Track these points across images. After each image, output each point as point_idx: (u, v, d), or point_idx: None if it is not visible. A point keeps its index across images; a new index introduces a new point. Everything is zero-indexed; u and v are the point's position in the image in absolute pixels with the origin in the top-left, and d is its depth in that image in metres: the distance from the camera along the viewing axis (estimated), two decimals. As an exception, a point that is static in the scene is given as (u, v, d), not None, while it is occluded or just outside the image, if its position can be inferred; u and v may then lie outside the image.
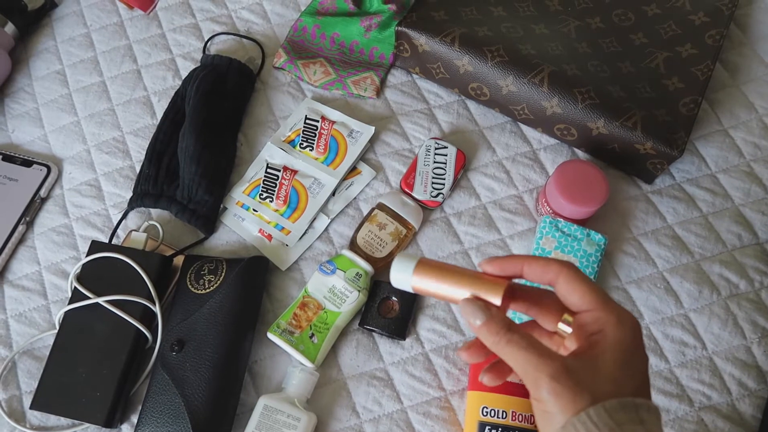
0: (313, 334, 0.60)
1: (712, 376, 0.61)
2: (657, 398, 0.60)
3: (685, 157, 0.70)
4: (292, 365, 0.60)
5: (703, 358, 0.62)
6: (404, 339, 0.62)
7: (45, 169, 0.71)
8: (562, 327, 0.36)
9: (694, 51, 0.69)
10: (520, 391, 0.57)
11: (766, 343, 0.62)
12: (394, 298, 0.62)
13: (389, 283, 0.63)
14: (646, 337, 0.62)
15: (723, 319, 0.63)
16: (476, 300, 0.36)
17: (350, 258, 0.62)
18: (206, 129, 0.68)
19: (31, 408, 0.58)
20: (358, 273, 0.61)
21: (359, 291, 0.61)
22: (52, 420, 0.61)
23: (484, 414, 0.56)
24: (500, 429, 0.55)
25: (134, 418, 0.60)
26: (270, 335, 0.60)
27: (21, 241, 0.69)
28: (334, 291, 0.61)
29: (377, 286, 0.63)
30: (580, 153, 0.71)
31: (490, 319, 0.35)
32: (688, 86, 0.66)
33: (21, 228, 0.68)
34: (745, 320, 0.63)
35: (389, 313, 0.62)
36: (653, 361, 0.61)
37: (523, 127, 0.72)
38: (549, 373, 0.32)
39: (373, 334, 0.63)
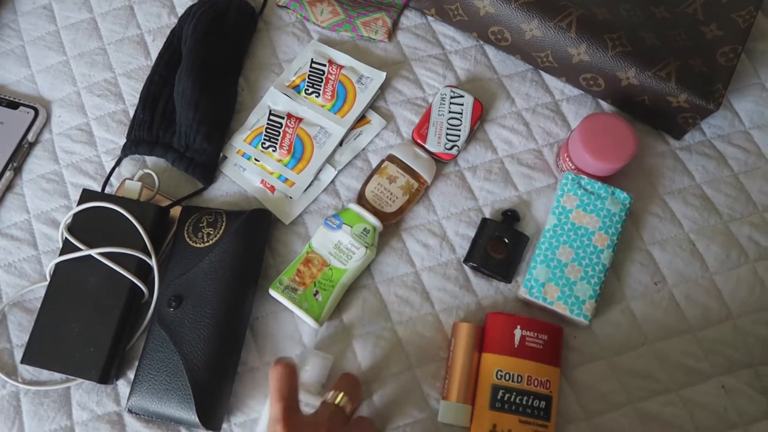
0: (317, 292, 0.57)
1: (736, 342, 0.58)
2: (679, 361, 0.57)
3: (717, 111, 0.65)
4: (305, 349, 0.57)
5: (727, 323, 0.59)
6: (509, 282, 0.59)
7: (32, 112, 0.66)
8: None
9: (735, -5, 0.63)
10: (536, 355, 0.54)
11: (794, 310, 0.59)
12: (505, 240, 0.59)
13: (499, 223, 0.60)
14: (668, 301, 0.59)
15: (750, 284, 0.59)
16: None
17: (357, 212, 0.59)
18: (204, 71, 0.63)
19: (22, 362, 0.55)
20: (365, 228, 0.58)
21: (366, 247, 0.57)
22: (45, 375, 0.58)
23: (499, 377, 0.53)
24: (514, 393, 0.53)
25: (130, 374, 0.58)
26: (272, 292, 0.57)
27: (9, 188, 0.65)
28: (340, 247, 0.58)
29: (485, 224, 0.60)
30: (605, 105, 0.66)
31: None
32: (727, 34, 0.61)
33: (8, 174, 0.64)
34: (774, 286, 0.59)
35: (498, 253, 0.59)
36: (677, 325, 0.58)
37: (545, 76, 0.67)
38: None
39: (380, 293, 0.60)
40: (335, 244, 0.58)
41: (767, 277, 0.60)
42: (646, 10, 0.62)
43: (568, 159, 0.61)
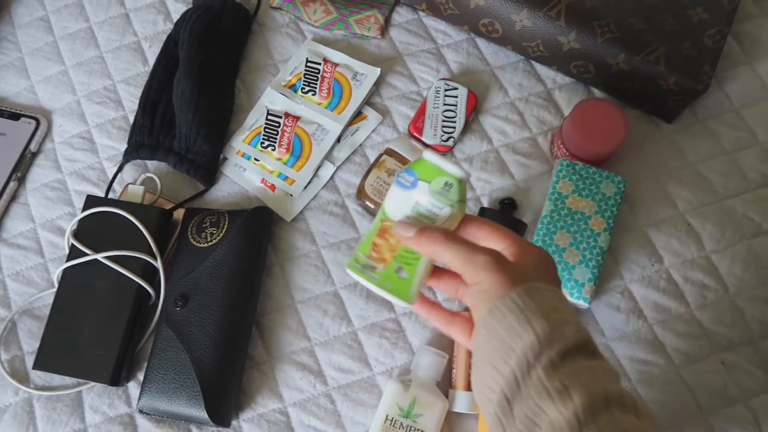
0: (400, 268, 0.44)
1: (734, 319, 0.59)
2: (677, 342, 0.58)
3: (707, 92, 0.66)
4: (420, 347, 0.58)
5: (725, 300, 0.60)
6: None
7: (34, 122, 0.67)
8: None
9: (720, -22, 0.64)
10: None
11: (791, 285, 0.60)
12: None
13: (497, 211, 0.60)
14: (666, 281, 0.60)
15: (746, 260, 0.60)
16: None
17: (434, 163, 0.44)
18: (202, 74, 0.64)
19: (34, 368, 0.56)
20: (447, 183, 0.44)
21: (452, 206, 0.44)
22: (57, 380, 0.59)
23: (502, 362, 0.54)
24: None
25: (140, 376, 0.59)
26: (350, 272, 0.45)
27: (13, 198, 0.66)
28: (419, 210, 0.44)
29: (484, 212, 0.59)
30: (596, 91, 0.67)
31: (426, 227, 0.42)
32: (713, 16, 0.62)
33: (12, 185, 0.65)
34: (770, 261, 0.60)
35: None
36: (674, 305, 0.59)
37: (537, 66, 0.68)
38: (485, 261, 0.39)
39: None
40: (413, 207, 0.44)
41: (762, 254, 0.61)
42: (633, -4, 0.63)
43: (562, 145, 0.62)
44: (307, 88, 0.66)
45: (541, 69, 0.68)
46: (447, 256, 0.41)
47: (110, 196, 0.64)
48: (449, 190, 0.44)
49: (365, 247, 0.46)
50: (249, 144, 0.64)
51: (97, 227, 0.60)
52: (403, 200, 0.45)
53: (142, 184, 0.64)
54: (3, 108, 0.68)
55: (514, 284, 0.38)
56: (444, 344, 0.59)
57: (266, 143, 0.64)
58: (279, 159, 0.64)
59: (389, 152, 0.63)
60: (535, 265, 0.41)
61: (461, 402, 0.55)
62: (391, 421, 0.54)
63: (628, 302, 0.60)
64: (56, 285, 0.59)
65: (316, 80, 0.66)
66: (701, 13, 0.63)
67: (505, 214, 0.61)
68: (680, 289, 0.60)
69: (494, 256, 0.40)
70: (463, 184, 0.45)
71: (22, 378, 0.59)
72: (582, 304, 0.58)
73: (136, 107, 0.67)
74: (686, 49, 0.61)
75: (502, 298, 0.38)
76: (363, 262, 0.45)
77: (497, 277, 0.39)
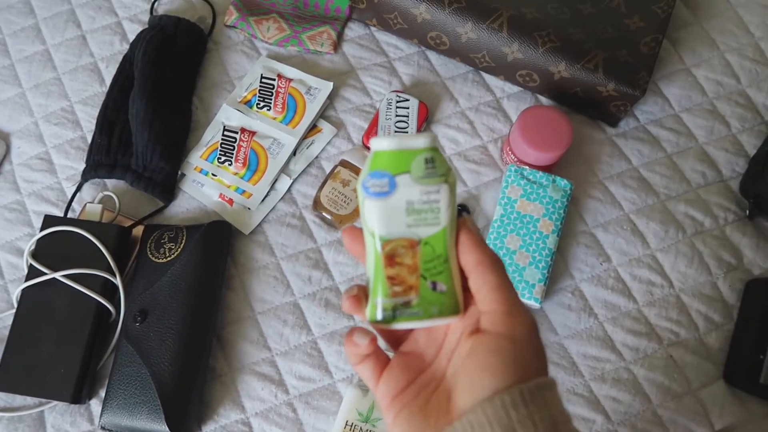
0: (434, 283, 0.36)
1: (680, 313, 0.61)
2: (627, 338, 0.61)
3: (649, 98, 0.69)
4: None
5: (671, 296, 0.62)
6: None
7: (-9, 145, 0.68)
8: None
9: (655, -12, 0.67)
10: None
11: (731, 278, 0.63)
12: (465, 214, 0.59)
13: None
14: (614, 280, 0.63)
15: (689, 257, 0.63)
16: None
17: (394, 148, 0.35)
18: (157, 93, 0.65)
19: (-6, 389, 0.57)
20: (426, 159, 0.36)
21: (445, 179, 0.35)
22: (18, 400, 0.59)
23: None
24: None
25: (102, 393, 0.59)
26: (380, 326, 0.36)
27: (-28, 220, 0.66)
28: (415, 208, 0.36)
29: None
30: (543, 99, 0.70)
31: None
32: (649, 24, 0.65)
33: (-29, 207, 0.66)
34: (711, 257, 0.63)
35: None
36: (623, 302, 0.62)
37: (486, 76, 0.70)
38: (530, 320, 0.34)
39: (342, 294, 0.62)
40: (407, 209, 0.36)
41: (704, 250, 0.63)
42: (573, 7, 0.66)
43: (510, 152, 0.64)
44: (262, 104, 0.68)
45: (490, 79, 0.70)
46: (497, 280, 0.34)
47: (69, 215, 0.65)
48: (434, 164, 0.36)
49: (382, 289, 0.36)
50: (206, 160, 0.66)
51: (55, 247, 0.61)
52: (389, 210, 0.36)
53: (100, 202, 0.64)
54: (-40, 132, 0.69)
55: (535, 365, 0.33)
56: (401, 349, 0.60)
57: (223, 158, 0.65)
58: (236, 173, 0.65)
59: (344, 163, 0.65)
60: (536, 348, 0.35)
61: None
62: (351, 426, 0.55)
63: (579, 301, 0.62)
64: (15, 305, 0.60)
65: (271, 95, 0.68)
66: (638, 21, 0.65)
67: None
68: (628, 287, 0.62)
69: (533, 322, 0.35)
70: (437, 150, 0.36)
71: (-17, 400, 0.59)
72: (533, 304, 0.59)
73: (93, 127, 0.68)
74: (623, 57, 0.63)
75: (515, 389, 0.31)
76: (391, 305, 0.36)
77: (528, 353, 0.33)
